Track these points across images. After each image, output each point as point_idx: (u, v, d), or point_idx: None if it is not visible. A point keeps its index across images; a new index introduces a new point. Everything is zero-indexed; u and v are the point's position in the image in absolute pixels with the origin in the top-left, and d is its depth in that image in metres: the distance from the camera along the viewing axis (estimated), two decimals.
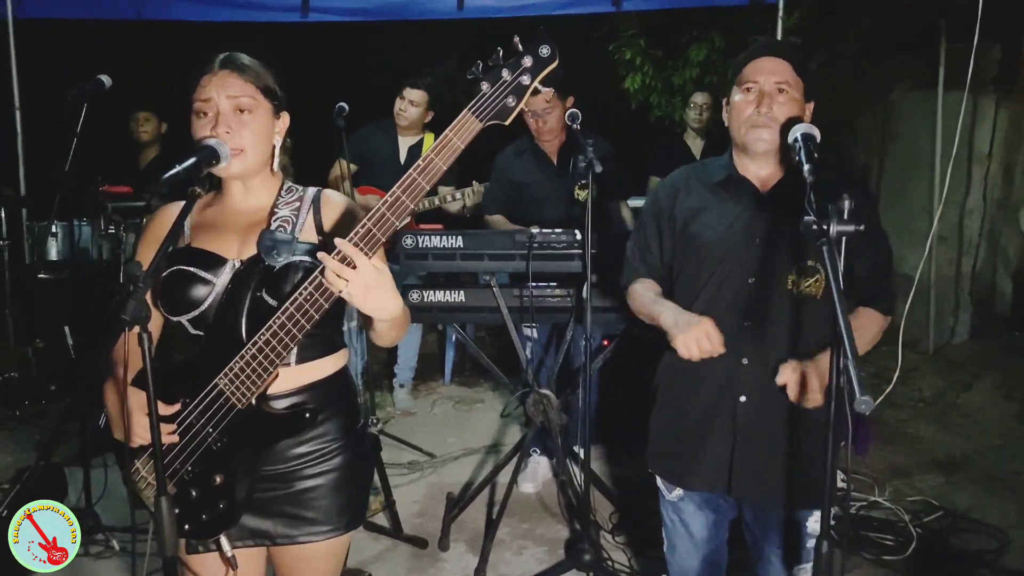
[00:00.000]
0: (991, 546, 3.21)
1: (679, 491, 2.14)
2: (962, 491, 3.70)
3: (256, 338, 1.54)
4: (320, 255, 1.45)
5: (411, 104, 4.47)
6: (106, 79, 3.48)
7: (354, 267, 1.43)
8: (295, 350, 1.62)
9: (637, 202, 4.14)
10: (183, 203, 1.72)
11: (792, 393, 1.87)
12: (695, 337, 1.88)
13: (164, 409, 1.58)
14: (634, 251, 2.23)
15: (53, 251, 4.64)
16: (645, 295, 2.13)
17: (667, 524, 2.22)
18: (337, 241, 1.44)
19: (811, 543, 2.02)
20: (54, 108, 3.86)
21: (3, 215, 4.78)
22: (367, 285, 1.45)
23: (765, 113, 1.92)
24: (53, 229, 4.56)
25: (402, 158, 4.55)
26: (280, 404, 1.66)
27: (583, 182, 3.60)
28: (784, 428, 1.97)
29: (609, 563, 3.07)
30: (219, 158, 1.60)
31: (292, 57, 7.03)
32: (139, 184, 4.62)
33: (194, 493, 1.62)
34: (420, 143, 4.59)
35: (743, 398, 1.98)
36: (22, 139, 5.11)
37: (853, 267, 1.93)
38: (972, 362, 5.25)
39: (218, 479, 1.62)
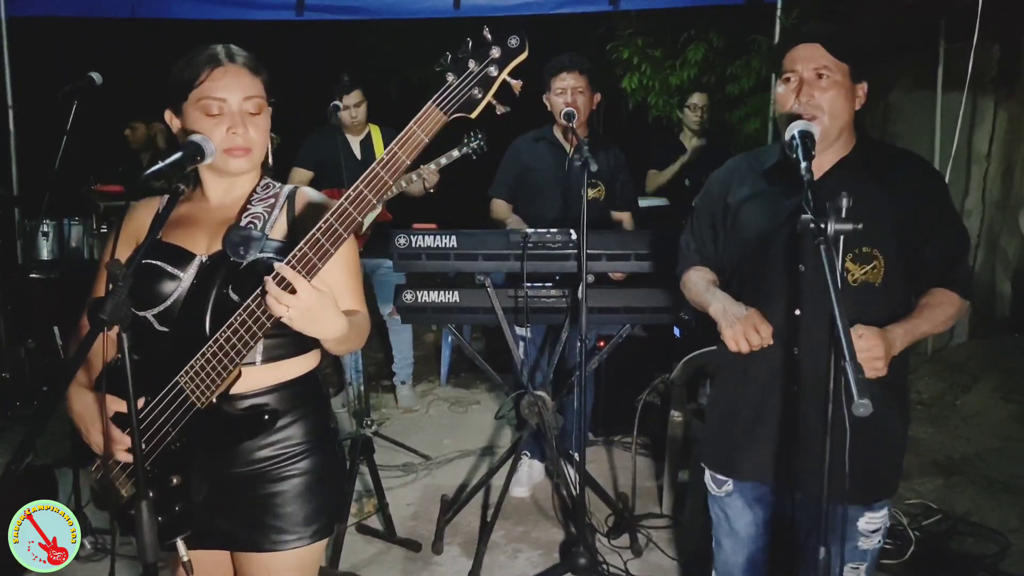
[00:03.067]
0: (991, 550, 3.19)
1: (728, 486, 2.11)
2: (961, 494, 3.67)
3: (217, 335, 1.51)
4: (266, 279, 1.41)
5: (355, 107, 4.46)
6: (96, 76, 3.46)
7: (294, 291, 1.39)
8: (260, 349, 1.59)
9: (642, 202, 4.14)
10: (158, 198, 1.70)
11: (875, 369, 1.75)
12: (743, 331, 1.85)
13: (124, 408, 1.53)
14: (688, 241, 2.20)
15: (44, 251, 4.61)
16: (699, 283, 2.09)
17: (713, 520, 2.19)
18: (277, 265, 1.41)
19: (863, 543, 1.99)
20: (47, 107, 3.84)
21: None
22: (308, 309, 1.41)
23: (806, 102, 1.86)
24: (44, 228, 4.52)
25: (358, 155, 4.54)
26: (244, 404, 1.62)
27: (593, 180, 3.62)
28: (833, 421, 1.92)
29: (604, 566, 3.04)
30: (204, 155, 1.57)
31: (287, 55, 7.01)
32: (125, 181, 4.61)
33: (151, 494, 1.55)
34: (369, 136, 4.58)
35: (795, 388, 1.94)
36: (15, 138, 5.07)
37: (923, 251, 1.91)
38: (971, 364, 5.21)
39: (175, 480, 1.58)
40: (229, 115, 1.60)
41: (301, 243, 1.43)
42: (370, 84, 4.57)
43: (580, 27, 6.21)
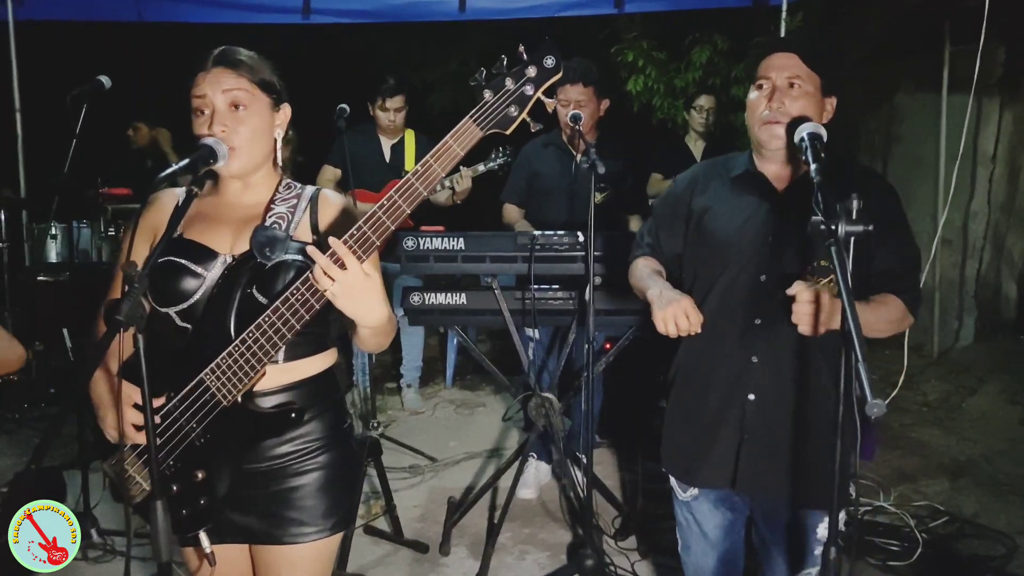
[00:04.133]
0: (998, 552, 3.19)
1: (693, 490, 2.12)
2: (968, 496, 3.67)
3: (245, 335, 1.53)
4: (310, 250, 1.44)
5: (396, 111, 4.50)
6: (106, 80, 3.47)
7: (343, 268, 1.42)
8: (283, 348, 1.60)
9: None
10: (178, 191, 1.72)
11: (801, 313, 1.71)
12: (672, 313, 1.88)
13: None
14: (643, 233, 2.22)
15: (52, 253, 4.63)
16: (643, 270, 2.12)
17: (681, 524, 2.20)
18: (331, 240, 1.44)
19: (819, 550, 1.99)
20: (54, 110, 3.86)
21: (3, 217, 4.77)
22: (352, 287, 1.44)
23: (777, 109, 1.89)
24: (52, 231, 4.54)
25: (387, 158, 4.57)
26: (266, 401, 1.64)
27: (601, 185, 3.62)
28: (793, 428, 1.94)
29: (612, 568, 3.05)
30: (217, 157, 1.60)
31: (294, 59, 7.03)
32: (137, 184, 4.62)
33: (175, 488, 1.61)
34: (402, 141, 4.61)
35: (752, 396, 1.97)
36: (22, 141, 5.09)
37: (873, 260, 1.92)
38: (977, 366, 5.21)
39: (200, 475, 1.61)
40: (211, 112, 1.62)
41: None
42: (375, 86, 4.58)
43: (585, 30, 6.20)
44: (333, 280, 1.42)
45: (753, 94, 1.97)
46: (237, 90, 1.64)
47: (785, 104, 1.89)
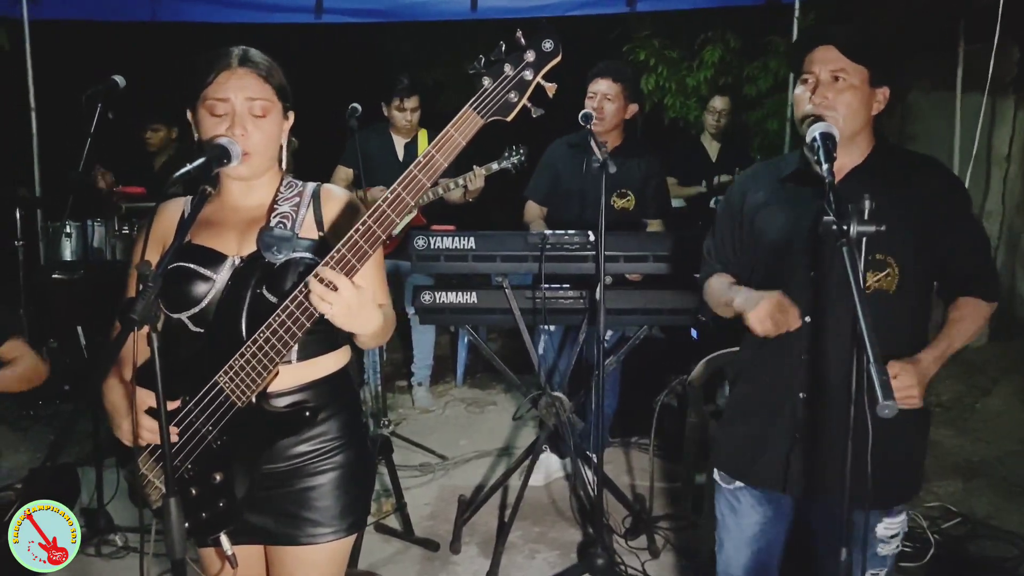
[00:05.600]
0: (1011, 553, 3.17)
1: (738, 482, 2.10)
2: (981, 497, 3.65)
3: (256, 336, 1.54)
4: (309, 279, 1.46)
5: (412, 111, 4.51)
6: (120, 79, 3.50)
7: (336, 289, 1.44)
8: (296, 347, 1.61)
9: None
10: (183, 200, 1.73)
11: (909, 398, 1.78)
12: (767, 311, 1.84)
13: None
14: (710, 249, 2.21)
15: (67, 251, 4.65)
16: (720, 285, 2.11)
17: (718, 520, 2.18)
18: (319, 268, 1.46)
19: (881, 548, 1.98)
20: (69, 109, 3.89)
21: (18, 216, 4.80)
22: (349, 307, 1.46)
23: (819, 103, 1.86)
24: (67, 229, 4.57)
25: (400, 157, 4.59)
26: (281, 402, 1.65)
27: (621, 190, 3.63)
28: (844, 427, 1.92)
29: (622, 567, 3.05)
30: (230, 157, 1.59)
31: (305, 58, 7.06)
32: (153, 186, 4.64)
33: (194, 491, 1.62)
34: (415, 140, 4.63)
35: (803, 395, 1.95)
36: (37, 140, 5.13)
37: (946, 261, 1.91)
38: (991, 366, 5.17)
39: (218, 477, 1.62)
40: (231, 115, 1.62)
41: (339, 245, 1.47)
42: (384, 85, 4.59)
43: (596, 29, 6.19)
44: (331, 304, 1.45)
45: (799, 89, 1.94)
46: (261, 99, 1.64)
47: (829, 97, 1.86)
